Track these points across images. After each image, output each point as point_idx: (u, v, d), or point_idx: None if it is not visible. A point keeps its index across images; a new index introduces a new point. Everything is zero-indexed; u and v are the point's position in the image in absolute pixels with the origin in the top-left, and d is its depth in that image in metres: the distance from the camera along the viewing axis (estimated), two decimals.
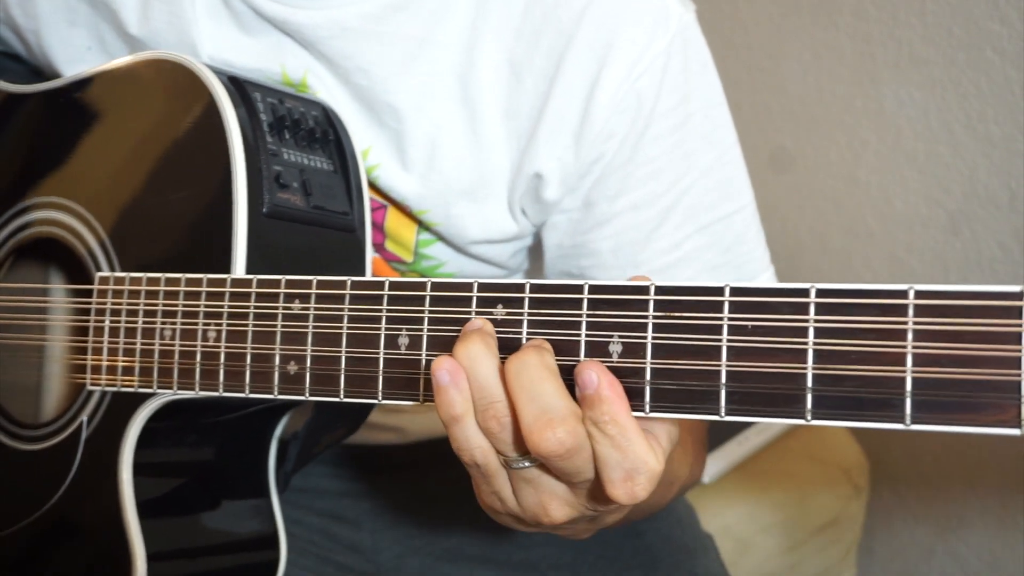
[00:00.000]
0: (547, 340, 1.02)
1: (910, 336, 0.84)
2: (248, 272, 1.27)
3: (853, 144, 2.71)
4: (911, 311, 0.84)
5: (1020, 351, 0.80)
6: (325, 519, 1.89)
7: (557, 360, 1.00)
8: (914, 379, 0.84)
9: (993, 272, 2.47)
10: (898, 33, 2.58)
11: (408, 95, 1.47)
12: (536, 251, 1.62)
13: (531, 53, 1.43)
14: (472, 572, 1.81)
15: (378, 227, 1.57)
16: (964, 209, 2.52)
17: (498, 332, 1.03)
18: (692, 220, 1.47)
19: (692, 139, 1.47)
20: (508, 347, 1.02)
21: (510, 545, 1.81)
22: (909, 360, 0.84)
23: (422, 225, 1.56)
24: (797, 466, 2.63)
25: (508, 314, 1.03)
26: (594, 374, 0.97)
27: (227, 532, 1.47)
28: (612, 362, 0.98)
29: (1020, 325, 0.80)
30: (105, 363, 1.34)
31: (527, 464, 1.04)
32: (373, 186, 1.53)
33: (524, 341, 1.03)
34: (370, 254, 1.44)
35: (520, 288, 1.03)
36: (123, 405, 1.35)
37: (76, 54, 1.59)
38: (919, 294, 0.84)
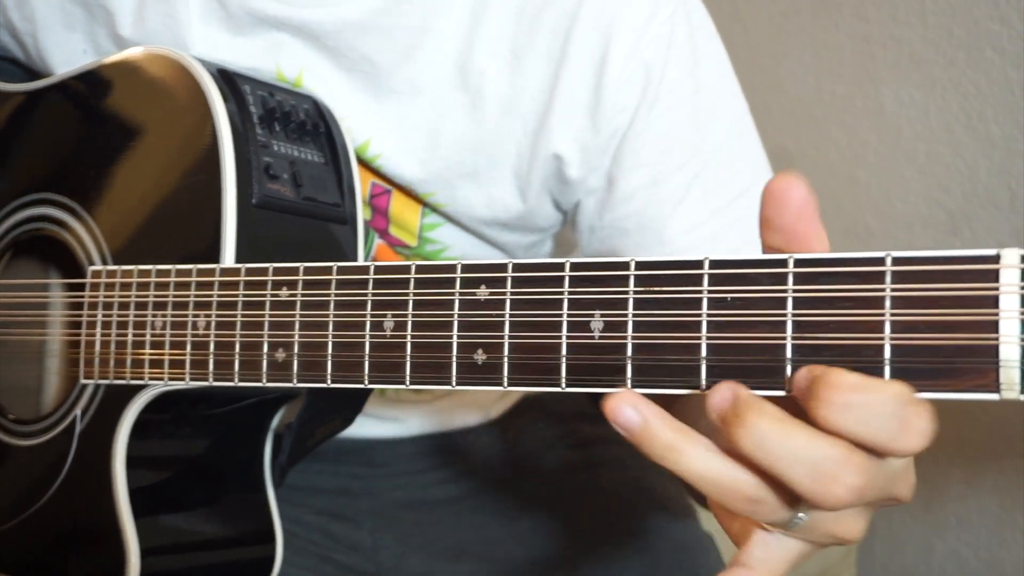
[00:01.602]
0: (531, 320, 1.00)
1: (888, 303, 0.84)
2: (238, 263, 1.27)
3: (853, 144, 2.71)
4: (888, 278, 0.84)
5: (997, 315, 0.80)
6: (324, 517, 1.89)
7: (540, 338, 1.00)
8: (892, 346, 0.83)
9: None
10: (898, 33, 2.58)
11: (410, 83, 1.47)
12: (561, 240, 1.63)
13: (533, 37, 1.44)
14: (473, 571, 1.80)
15: (382, 212, 1.58)
16: (964, 209, 2.52)
17: (482, 313, 1.03)
18: (714, 195, 1.48)
19: (703, 111, 1.47)
20: (492, 327, 1.02)
21: (511, 543, 1.81)
22: (887, 327, 0.84)
23: (428, 207, 1.57)
24: None
25: (491, 294, 1.02)
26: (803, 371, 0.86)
27: (222, 526, 1.47)
28: (593, 339, 0.97)
29: (996, 289, 0.80)
30: (97, 356, 1.34)
31: (803, 517, 0.90)
32: (377, 173, 1.54)
33: (508, 320, 1.02)
34: (362, 246, 1.44)
35: (503, 268, 1.02)
36: (116, 398, 1.35)
37: (73, 57, 1.59)
38: (896, 260, 0.84)
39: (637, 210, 1.47)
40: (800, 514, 0.89)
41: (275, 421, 1.50)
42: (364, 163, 1.51)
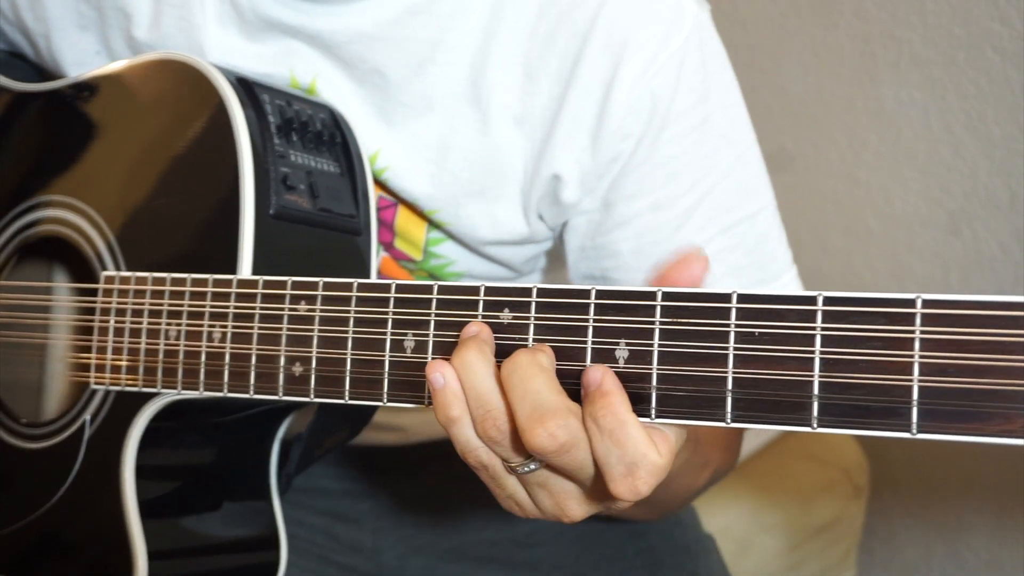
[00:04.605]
0: (553, 345, 1.02)
1: (917, 345, 0.85)
2: (254, 274, 1.27)
3: (853, 144, 2.71)
4: (918, 320, 0.85)
5: None
6: (327, 519, 1.89)
7: (563, 365, 1.01)
8: (921, 388, 0.84)
9: (993, 272, 2.47)
10: (898, 33, 2.58)
11: (421, 96, 1.47)
12: (554, 254, 1.62)
13: (545, 55, 1.43)
14: (474, 572, 1.81)
15: (387, 225, 1.57)
16: (964, 209, 2.52)
17: (504, 337, 1.03)
18: (715, 222, 1.47)
19: (711, 139, 1.46)
20: (515, 351, 1.02)
21: (512, 545, 1.81)
22: (916, 369, 0.85)
23: (432, 224, 1.56)
24: (797, 466, 2.63)
25: (515, 318, 1.03)
26: (598, 372, 0.97)
27: (228, 533, 1.48)
28: (618, 367, 0.98)
29: None
30: (109, 362, 1.35)
31: (533, 467, 1.04)
32: (384, 186, 1.53)
33: (531, 345, 1.02)
34: (375, 257, 1.44)
35: (527, 292, 1.03)
36: (126, 405, 1.35)
37: (85, 58, 1.58)
38: (927, 303, 0.84)
39: (635, 234, 1.47)
40: (530, 464, 1.04)
41: (282, 430, 1.50)
42: (371, 175, 1.51)
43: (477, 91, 1.45)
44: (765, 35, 2.85)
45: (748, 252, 1.49)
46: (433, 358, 1.07)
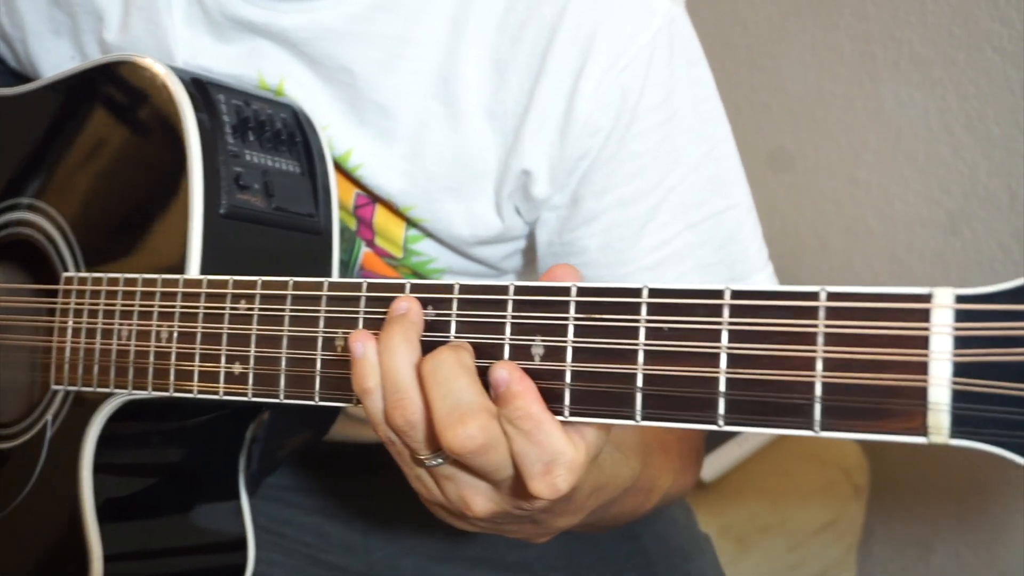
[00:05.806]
0: (472, 342, 1.01)
1: (820, 340, 0.82)
2: (203, 274, 1.27)
3: (853, 144, 2.70)
4: (822, 313, 0.83)
5: (927, 356, 0.78)
6: (316, 517, 1.88)
7: (483, 361, 1.00)
8: (824, 384, 0.82)
9: (993, 272, 2.46)
10: (898, 33, 2.57)
11: (391, 93, 1.46)
12: (530, 253, 1.61)
13: (514, 50, 1.42)
14: (467, 572, 1.79)
15: (367, 224, 1.56)
16: (964, 209, 2.51)
17: (427, 335, 1.03)
18: (681, 217, 1.45)
19: (679, 135, 1.44)
20: (436, 347, 1.01)
21: (505, 546, 1.80)
22: (819, 364, 0.82)
23: (410, 222, 1.55)
24: (797, 466, 2.62)
25: (437, 315, 1.02)
26: (504, 371, 0.96)
27: (191, 534, 1.47)
28: (534, 364, 0.97)
29: (927, 328, 0.78)
30: (67, 363, 1.35)
31: (439, 461, 1.04)
32: (359, 183, 1.52)
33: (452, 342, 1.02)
34: (337, 257, 1.43)
35: (449, 289, 1.02)
36: (85, 405, 1.35)
37: (61, 62, 1.60)
38: (831, 296, 0.82)
39: (602, 230, 1.45)
40: (437, 459, 1.04)
41: (250, 431, 1.49)
42: (346, 173, 1.50)
43: (447, 87, 1.44)
44: (765, 35, 2.83)
45: (716, 249, 1.47)
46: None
